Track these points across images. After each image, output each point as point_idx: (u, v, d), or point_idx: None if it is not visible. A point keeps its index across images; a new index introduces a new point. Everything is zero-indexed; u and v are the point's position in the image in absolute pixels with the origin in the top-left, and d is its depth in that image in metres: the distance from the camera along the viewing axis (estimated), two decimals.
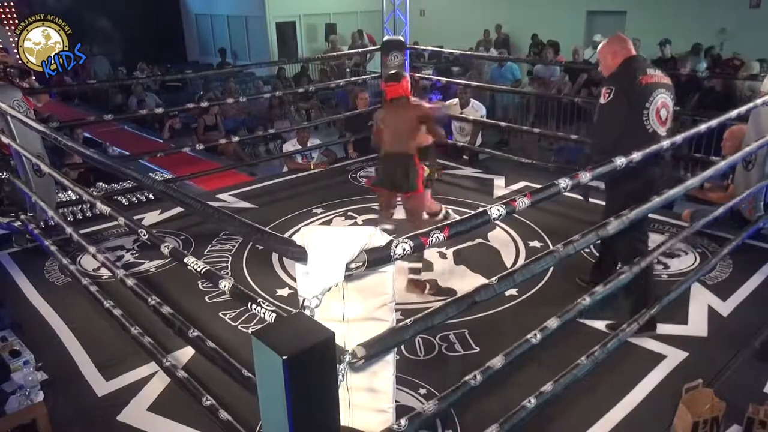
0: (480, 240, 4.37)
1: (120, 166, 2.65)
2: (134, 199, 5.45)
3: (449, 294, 3.60)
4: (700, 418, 2.39)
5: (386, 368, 1.90)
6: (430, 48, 7.95)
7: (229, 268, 4.09)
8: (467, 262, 4.07)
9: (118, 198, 5.40)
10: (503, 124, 6.78)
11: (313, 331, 1.38)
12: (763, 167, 3.96)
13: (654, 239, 4.20)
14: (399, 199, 3.97)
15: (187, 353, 3.05)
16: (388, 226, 3.95)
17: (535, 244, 4.32)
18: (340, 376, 1.51)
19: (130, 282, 3.01)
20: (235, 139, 6.79)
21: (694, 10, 10.65)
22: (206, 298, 3.67)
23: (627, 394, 2.75)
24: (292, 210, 5.03)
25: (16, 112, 3.77)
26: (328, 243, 1.53)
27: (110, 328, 3.28)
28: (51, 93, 9.26)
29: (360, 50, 10.37)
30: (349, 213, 4.98)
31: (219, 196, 5.46)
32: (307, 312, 1.51)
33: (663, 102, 2.98)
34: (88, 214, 5.06)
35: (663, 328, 3.16)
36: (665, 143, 2.59)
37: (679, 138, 2.72)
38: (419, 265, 3.79)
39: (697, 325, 3.29)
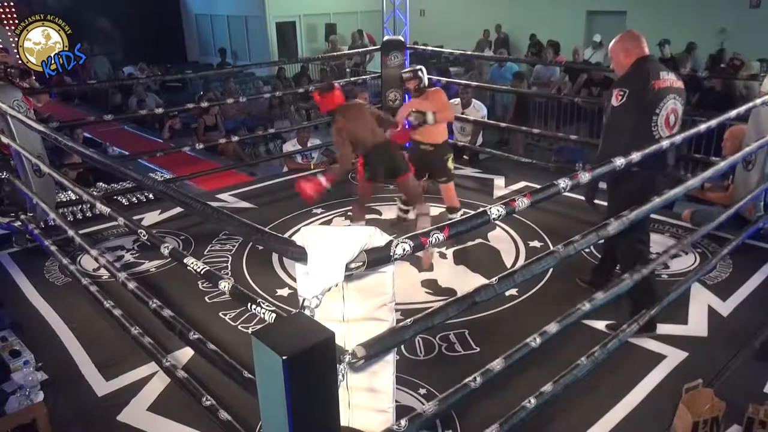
0: (480, 240, 4.37)
1: (120, 166, 2.65)
2: (134, 199, 5.45)
3: (449, 294, 3.60)
4: (700, 418, 2.39)
5: (386, 368, 1.90)
6: (430, 48, 7.95)
7: (229, 268, 4.09)
8: (467, 262, 4.08)
9: (118, 198, 5.40)
10: (503, 124, 6.77)
11: (313, 331, 1.38)
12: (763, 167, 3.96)
13: (654, 239, 4.21)
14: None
15: (187, 353, 3.05)
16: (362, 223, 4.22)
17: (535, 244, 4.32)
18: (340, 376, 1.51)
19: (131, 285, 3.01)
20: (235, 139, 6.79)
21: (694, 10, 10.66)
22: (206, 298, 3.67)
23: (627, 394, 2.75)
24: (292, 210, 5.03)
25: (16, 112, 3.77)
26: (328, 243, 1.53)
27: (110, 328, 3.28)
28: (51, 93, 9.26)
29: (360, 50, 10.37)
30: (349, 213, 4.97)
31: (219, 196, 5.46)
32: (307, 312, 1.51)
33: (673, 108, 2.94)
34: (88, 214, 5.06)
35: (663, 328, 3.16)
36: (665, 143, 2.59)
37: (678, 138, 2.72)
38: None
39: (697, 325, 3.29)
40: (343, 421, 1.80)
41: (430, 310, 1.81)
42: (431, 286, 3.81)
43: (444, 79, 8.04)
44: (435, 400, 2.02)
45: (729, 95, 6.98)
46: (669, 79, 2.95)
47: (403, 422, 1.88)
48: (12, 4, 13.09)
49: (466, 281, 3.80)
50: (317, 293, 1.52)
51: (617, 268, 3.42)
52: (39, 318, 3.54)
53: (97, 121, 6.85)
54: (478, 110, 6.38)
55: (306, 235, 1.57)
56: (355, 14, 14.98)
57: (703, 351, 3.06)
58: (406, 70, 4.52)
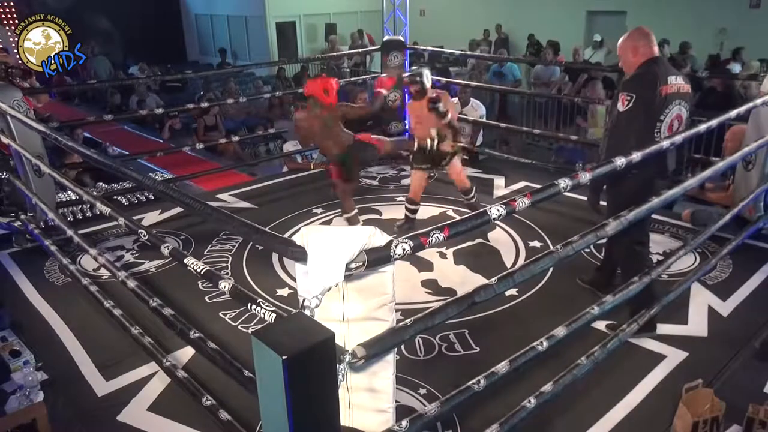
0: (480, 240, 4.37)
1: (120, 166, 2.65)
2: (134, 199, 5.45)
3: (449, 294, 3.60)
4: (700, 418, 2.39)
5: (386, 368, 1.90)
6: (430, 48, 7.96)
7: (229, 268, 4.09)
8: (467, 262, 4.08)
9: (118, 198, 5.40)
10: (503, 125, 6.78)
11: (313, 331, 1.38)
12: (763, 168, 3.96)
13: (654, 239, 4.21)
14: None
15: (187, 353, 3.05)
16: (351, 214, 4.45)
17: (535, 244, 4.32)
18: (340, 376, 1.51)
19: (131, 284, 3.02)
20: (235, 139, 6.78)
21: (694, 10, 10.65)
22: (206, 298, 3.67)
23: (627, 394, 2.75)
24: (292, 210, 5.03)
25: (16, 112, 3.77)
26: (328, 243, 1.53)
27: (110, 328, 3.28)
28: (51, 93, 9.26)
29: (360, 50, 10.37)
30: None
31: (219, 196, 5.46)
32: (307, 312, 1.51)
33: (677, 114, 2.91)
34: (88, 214, 5.06)
35: (663, 328, 3.16)
36: (665, 143, 2.59)
37: (678, 138, 2.72)
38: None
39: (697, 325, 3.29)
40: (343, 421, 1.80)
41: (430, 310, 1.81)
42: (431, 286, 3.81)
43: (444, 79, 8.05)
44: (437, 402, 2.02)
45: (729, 95, 6.98)
46: (677, 84, 2.89)
47: (404, 423, 1.88)
48: (12, 4, 13.09)
49: (466, 281, 3.80)
50: (317, 293, 1.52)
51: (618, 269, 3.42)
52: (39, 318, 3.54)
53: (97, 121, 6.86)
54: (475, 109, 6.38)
55: (306, 235, 1.57)
56: (355, 14, 14.98)
57: (703, 351, 3.06)
58: (408, 73, 4.56)
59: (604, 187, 3.19)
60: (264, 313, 1.74)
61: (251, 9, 14.87)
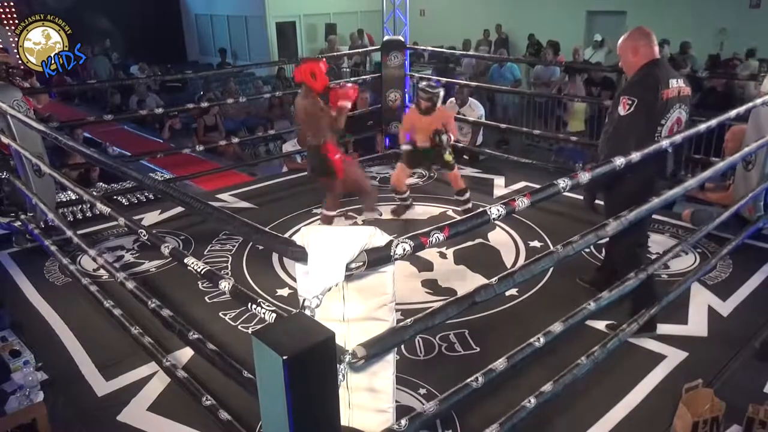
0: (480, 240, 4.37)
1: (120, 165, 2.65)
2: (134, 199, 5.45)
3: (449, 294, 3.60)
4: (700, 418, 2.39)
5: (386, 368, 1.90)
6: (430, 48, 7.97)
7: (229, 268, 4.09)
8: (467, 262, 4.08)
9: (118, 198, 5.40)
10: (503, 125, 6.77)
11: (313, 331, 1.38)
12: (763, 168, 3.95)
13: (654, 239, 4.21)
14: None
15: (187, 353, 3.05)
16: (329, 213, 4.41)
17: (535, 244, 4.32)
18: (340, 376, 1.51)
19: (130, 285, 3.02)
20: (235, 139, 6.79)
21: (694, 10, 10.66)
22: (206, 298, 3.67)
23: (627, 394, 2.75)
24: (292, 210, 5.02)
25: (16, 112, 3.77)
26: (328, 243, 1.53)
27: (110, 328, 3.28)
28: (51, 93, 9.26)
29: (360, 50, 10.37)
30: (349, 213, 4.98)
31: (219, 196, 5.46)
32: (307, 312, 1.51)
33: (678, 118, 2.91)
34: (88, 214, 5.06)
35: (663, 328, 3.16)
36: (665, 143, 2.59)
37: (678, 138, 2.71)
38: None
39: (697, 325, 3.29)
40: (343, 421, 1.79)
41: (430, 310, 1.81)
42: (431, 286, 3.81)
43: (444, 79, 8.05)
44: (436, 399, 2.02)
45: (729, 95, 6.99)
46: (677, 87, 2.88)
47: (403, 422, 1.88)
48: (12, 4, 13.09)
49: (466, 281, 3.80)
50: (317, 293, 1.52)
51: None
52: (39, 318, 3.54)
53: (97, 121, 6.85)
54: (474, 109, 6.38)
55: (306, 235, 1.57)
56: (355, 14, 14.98)
57: (703, 351, 3.06)
58: (428, 89, 4.62)
59: (601, 187, 3.17)
60: (264, 313, 1.74)
61: (251, 9, 14.87)
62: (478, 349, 3.13)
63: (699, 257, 3.99)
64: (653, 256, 3.83)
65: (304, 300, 1.54)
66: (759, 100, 3.45)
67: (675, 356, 3.01)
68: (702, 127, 2.86)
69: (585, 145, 6.57)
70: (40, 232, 4.20)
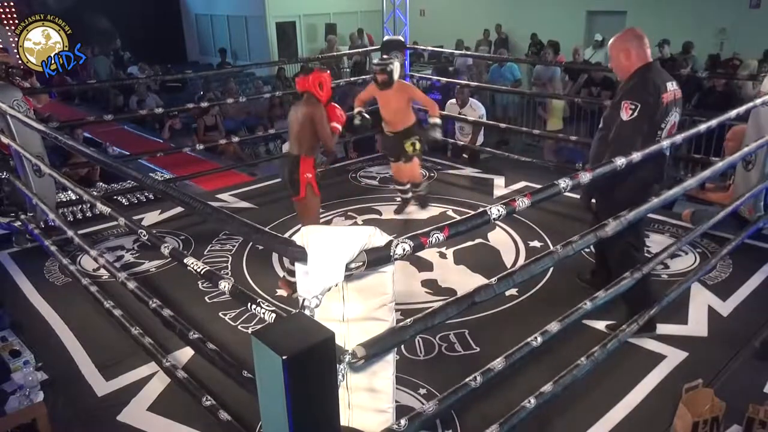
0: (480, 240, 4.37)
1: (120, 165, 2.65)
2: (134, 199, 5.45)
3: (449, 294, 3.60)
4: (700, 418, 2.39)
5: (386, 368, 1.90)
6: (430, 48, 7.96)
7: (229, 268, 4.09)
8: (467, 262, 4.08)
9: (119, 198, 5.40)
10: (503, 125, 6.77)
11: (312, 331, 1.38)
12: (762, 167, 3.96)
13: (654, 239, 4.21)
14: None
15: (187, 353, 3.05)
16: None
17: (535, 244, 4.32)
18: (340, 376, 1.51)
19: (131, 285, 3.02)
20: (235, 139, 6.78)
21: (694, 10, 10.65)
22: (206, 298, 3.67)
23: (627, 394, 2.75)
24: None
25: (16, 112, 3.77)
26: (328, 243, 1.53)
27: (110, 328, 3.28)
28: (51, 93, 9.26)
29: (360, 50, 10.36)
30: (349, 213, 4.98)
31: (219, 196, 5.46)
32: (307, 312, 1.51)
33: (674, 121, 2.92)
34: (88, 214, 5.07)
35: (663, 328, 3.16)
36: (665, 143, 2.59)
37: (678, 138, 2.71)
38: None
39: (697, 325, 3.29)
40: (343, 421, 1.80)
41: (430, 310, 1.81)
42: (431, 286, 3.81)
43: (444, 79, 8.06)
44: (435, 399, 2.02)
45: (729, 95, 6.98)
46: (673, 90, 2.88)
47: (402, 422, 1.88)
48: (12, 4, 13.09)
49: (466, 281, 3.80)
50: (317, 293, 1.52)
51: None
52: (39, 318, 3.54)
53: (97, 121, 6.85)
54: (475, 110, 6.38)
55: (306, 234, 1.57)
56: (355, 14, 14.98)
57: (703, 351, 3.06)
58: (381, 61, 4.63)
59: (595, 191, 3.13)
60: (264, 313, 1.74)
61: (251, 9, 14.87)
62: (478, 349, 3.13)
63: (699, 257, 3.99)
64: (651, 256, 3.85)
65: (303, 300, 1.54)
66: (759, 100, 3.45)
67: (675, 356, 3.01)
68: (702, 127, 2.86)
69: (585, 145, 6.55)
70: (40, 232, 4.20)
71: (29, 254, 4.33)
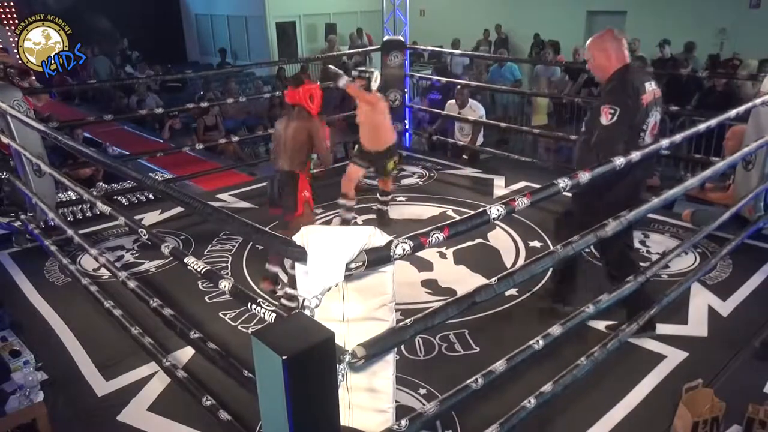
0: (480, 240, 4.37)
1: (120, 165, 2.65)
2: (134, 199, 5.45)
3: (449, 294, 3.60)
4: (700, 418, 2.39)
5: (386, 368, 1.90)
6: (430, 48, 7.96)
7: (229, 268, 4.09)
8: (467, 262, 4.08)
9: (119, 198, 5.40)
10: (503, 125, 6.76)
11: (312, 331, 1.38)
12: (762, 167, 3.95)
13: (654, 239, 4.22)
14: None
15: (187, 353, 3.05)
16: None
17: (535, 244, 4.32)
18: (340, 376, 1.51)
19: (131, 284, 3.02)
20: (235, 139, 6.78)
21: (694, 10, 10.65)
22: (206, 298, 3.67)
23: (627, 394, 2.75)
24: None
25: (16, 112, 3.77)
26: (328, 243, 1.53)
27: (110, 328, 3.28)
28: (51, 93, 9.26)
29: (360, 50, 10.36)
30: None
31: (219, 196, 5.46)
32: (306, 312, 1.51)
33: (656, 120, 2.91)
34: (89, 214, 5.07)
35: (663, 328, 3.16)
36: (665, 143, 2.58)
37: (678, 138, 2.71)
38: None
39: (697, 325, 3.29)
40: (343, 421, 1.79)
41: (430, 310, 1.81)
42: (431, 286, 3.81)
43: (444, 79, 8.06)
44: (436, 400, 2.02)
45: (729, 95, 6.97)
46: (652, 90, 2.86)
47: (403, 422, 1.88)
48: (12, 4, 13.09)
49: (466, 281, 3.80)
50: (317, 293, 1.52)
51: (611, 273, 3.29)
52: (39, 318, 3.54)
53: (97, 121, 6.85)
54: (474, 110, 6.38)
55: (306, 235, 1.57)
56: (355, 14, 14.97)
57: (703, 351, 3.06)
58: (361, 69, 4.65)
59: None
60: (264, 313, 1.74)
61: (251, 9, 14.87)
62: (478, 349, 3.13)
63: (699, 257, 3.99)
64: (653, 257, 3.85)
65: (303, 300, 1.54)
66: (759, 100, 3.45)
67: (675, 356, 3.01)
68: (702, 126, 2.86)
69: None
70: (40, 232, 4.20)
71: (29, 254, 4.33)
